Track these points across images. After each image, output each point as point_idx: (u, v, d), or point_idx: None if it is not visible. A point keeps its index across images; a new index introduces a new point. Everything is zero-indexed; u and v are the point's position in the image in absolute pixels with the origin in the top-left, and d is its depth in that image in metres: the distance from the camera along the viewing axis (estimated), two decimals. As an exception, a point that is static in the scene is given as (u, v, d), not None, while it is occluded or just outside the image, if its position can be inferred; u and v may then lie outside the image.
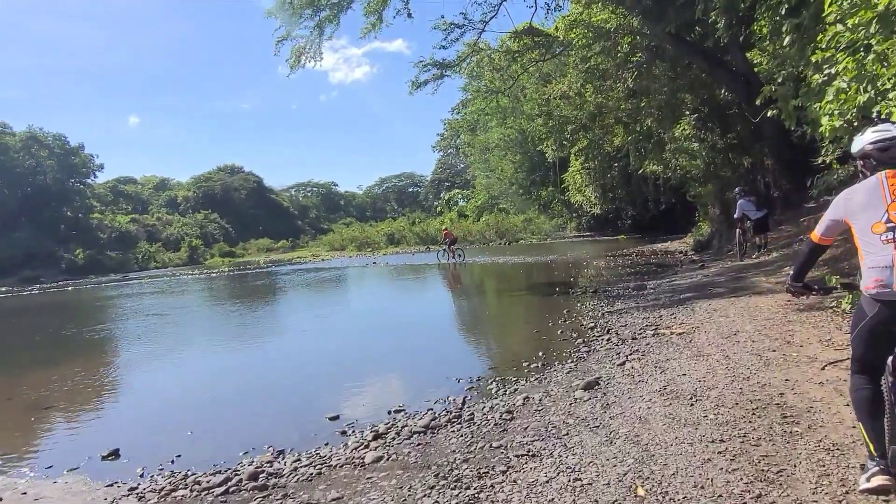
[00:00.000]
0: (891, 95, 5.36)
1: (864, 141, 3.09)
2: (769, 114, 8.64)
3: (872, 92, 5.68)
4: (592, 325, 9.94)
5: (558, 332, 9.77)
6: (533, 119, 26.61)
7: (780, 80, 8.19)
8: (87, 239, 63.80)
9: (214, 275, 39.51)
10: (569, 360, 7.74)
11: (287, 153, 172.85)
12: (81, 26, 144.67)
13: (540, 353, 8.39)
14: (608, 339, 8.59)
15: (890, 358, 2.92)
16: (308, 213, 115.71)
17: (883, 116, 5.22)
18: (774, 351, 6.24)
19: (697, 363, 6.28)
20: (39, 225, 59.98)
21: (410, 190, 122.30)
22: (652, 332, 8.42)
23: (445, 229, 34.17)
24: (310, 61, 21.65)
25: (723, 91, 18.78)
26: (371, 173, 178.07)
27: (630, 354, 7.34)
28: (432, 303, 17.35)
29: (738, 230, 15.15)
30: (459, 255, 29.35)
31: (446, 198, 74.73)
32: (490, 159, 52.27)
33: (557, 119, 22.18)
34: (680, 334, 7.98)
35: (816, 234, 3.21)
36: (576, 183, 36.36)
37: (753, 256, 14.84)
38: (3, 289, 41.68)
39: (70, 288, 37.47)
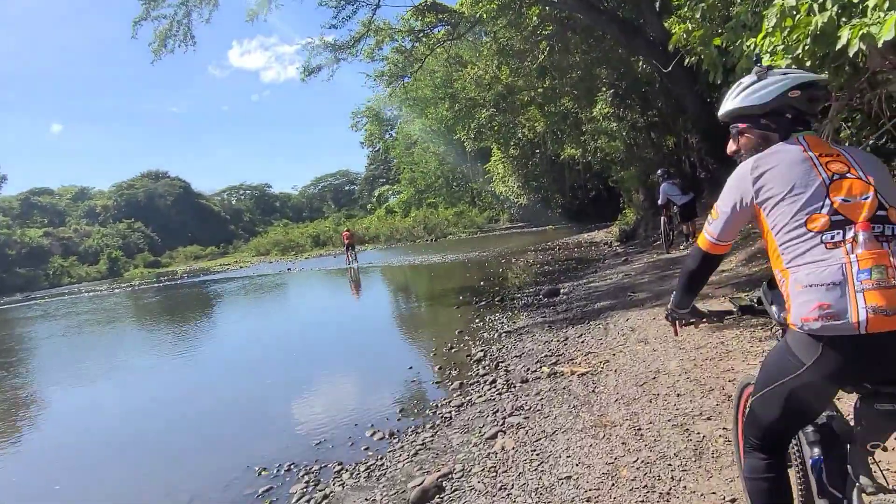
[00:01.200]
0: (871, 3, 3.22)
1: (775, 87, 1.94)
2: (687, 62, 6.55)
3: (835, 8, 3.57)
4: (482, 353, 7.69)
5: (435, 370, 7.47)
6: (436, 104, 24.21)
7: (698, 17, 6.07)
8: (-8, 257, 58.55)
9: (117, 290, 35.75)
10: (427, 427, 5.45)
11: (218, 156, 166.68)
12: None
13: (396, 411, 6.08)
14: (492, 382, 6.35)
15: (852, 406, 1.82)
16: (241, 216, 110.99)
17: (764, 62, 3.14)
18: (709, 418, 4.08)
19: (595, 446, 4.05)
20: (-69, 246, 54.46)
21: (347, 188, 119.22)
22: (549, 371, 6.22)
23: (346, 231, 31.85)
24: (180, 46, 18.71)
25: (640, 63, 16.92)
26: (307, 173, 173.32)
27: (511, 414, 5.12)
28: (285, 331, 13.35)
29: (662, 218, 13.25)
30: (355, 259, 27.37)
31: (377, 194, 71.91)
32: (414, 152, 49.84)
33: (464, 103, 19.92)
34: (583, 375, 5.79)
35: (709, 238, 2.05)
36: (499, 173, 34.38)
37: (681, 247, 13.00)
38: None
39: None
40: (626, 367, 5.66)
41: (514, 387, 6.02)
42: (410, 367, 7.74)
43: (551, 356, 6.88)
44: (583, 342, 7.16)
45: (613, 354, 6.26)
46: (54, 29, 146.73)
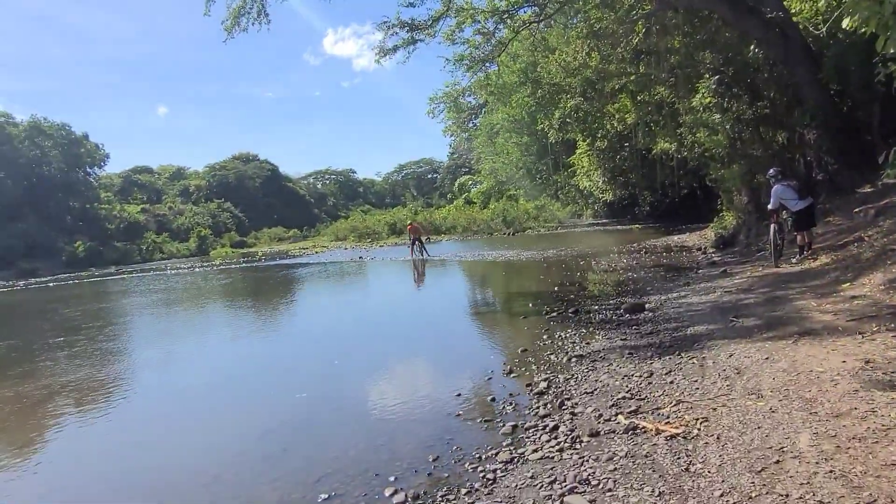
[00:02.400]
0: None
1: None
2: (848, 24, 4.89)
3: None
4: (546, 384, 6.37)
5: (487, 401, 6.21)
6: (523, 89, 22.66)
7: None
8: (94, 230, 62.33)
9: (198, 269, 36.67)
10: (461, 492, 4.24)
11: (307, 141, 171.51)
12: (112, 17, 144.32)
13: (429, 459, 4.88)
14: (553, 429, 5.05)
15: None
16: (325, 200, 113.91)
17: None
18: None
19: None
20: (45, 216, 58.46)
21: (430, 176, 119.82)
22: (627, 423, 4.84)
23: (410, 223, 31.23)
24: (253, 24, 18.22)
25: (752, 48, 14.83)
26: (391, 160, 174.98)
27: (571, 489, 3.86)
28: (330, 328, 13.12)
29: (772, 225, 11.27)
30: (424, 251, 27.33)
31: (458, 184, 70.97)
32: (496, 142, 48.29)
33: (547, 89, 18.35)
34: (672, 438, 4.39)
35: None
36: (583, 166, 32.38)
37: (793, 261, 11.07)
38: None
39: (51, 284, 34.95)
40: (732, 435, 4.21)
41: (581, 442, 4.70)
42: (458, 395, 6.52)
43: (631, 399, 5.48)
44: (672, 383, 5.70)
45: (714, 409, 4.79)
46: (164, 17, 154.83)
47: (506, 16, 19.44)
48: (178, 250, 66.36)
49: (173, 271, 37.79)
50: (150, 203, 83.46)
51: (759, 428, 4.22)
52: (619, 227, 34.92)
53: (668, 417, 4.84)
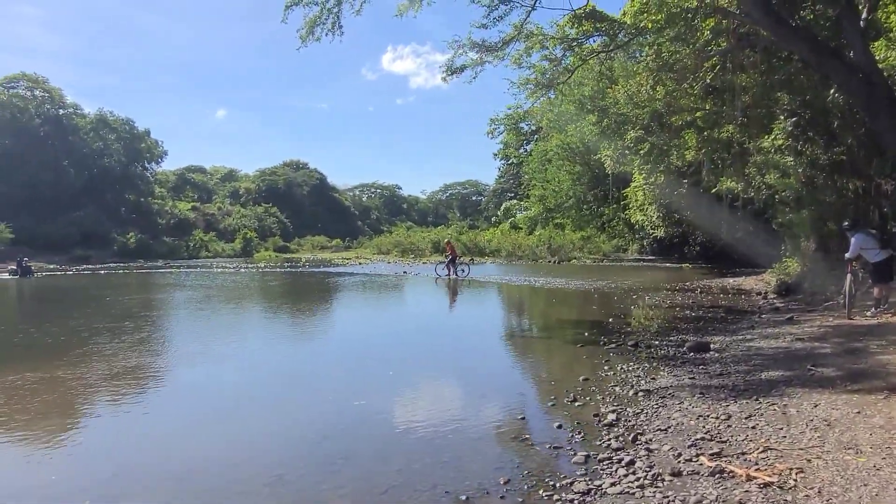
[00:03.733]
0: None
1: None
2: None
3: None
4: (614, 416, 6.14)
5: (553, 427, 6.01)
6: (579, 119, 22.47)
7: None
8: (145, 223, 64.40)
9: (243, 269, 37.33)
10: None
11: (356, 154, 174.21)
12: (179, 22, 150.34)
13: (500, 481, 4.69)
14: (630, 464, 4.82)
15: None
16: (369, 214, 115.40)
17: None
18: None
19: None
20: (101, 206, 60.72)
21: (474, 198, 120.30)
22: (711, 466, 4.58)
23: (448, 241, 31.35)
24: (327, 34, 18.58)
25: (832, 92, 14.40)
26: (437, 179, 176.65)
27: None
28: (387, 341, 13.56)
29: (849, 275, 10.81)
30: (463, 271, 27.88)
31: (504, 208, 70.83)
32: (548, 169, 48.08)
33: (614, 118, 18.15)
34: (765, 486, 4.13)
35: None
36: (637, 200, 31.86)
37: (868, 314, 10.57)
38: (51, 266, 41.44)
39: (102, 271, 36.07)
40: (835, 490, 3.93)
41: (663, 480, 4.46)
42: (522, 418, 6.34)
43: (710, 440, 5.22)
44: (754, 428, 5.42)
45: (808, 460, 4.51)
46: (226, 23, 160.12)
47: (574, 44, 19.39)
48: (223, 250, 67.85)
49: (219, 269, 38.54)
50: (200, 202, 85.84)
51: (865, 485, 3.94)
52: (667, 264, 34.20)
53: (756, 464, 4.57)
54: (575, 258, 42.12)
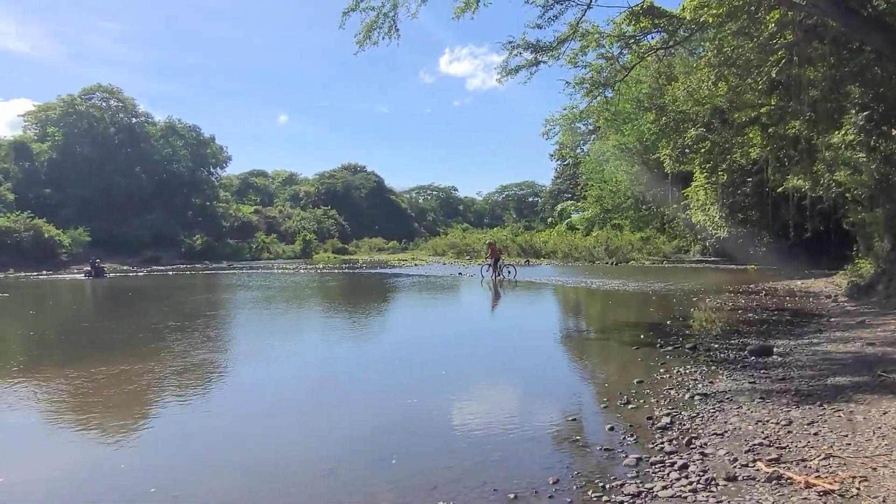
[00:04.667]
0: None
1: None
2: None
3: None
4: (668, 419, 6.01)
5: (605, 430, 5.93)
6: (637, 118, 21.98)
7: None
8: (211, 226, 66.86)
9: (302, 270, 38.31)
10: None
11: (413, 156, 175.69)
12: (243, 30, 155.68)
13: (549, 481, 4.67)
14: (683, 468, 4.72)
15: None
16: (426, 215, 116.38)
17: None
18: None
19: None
20: (170, 210, 63.44)
21: (530, 199, 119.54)
22: (769, 472, 4.44)
23: (490, 242, 31.21)
24: (384, 38, 18.87)
25: (909, 83, 13.67)
26: (493, 181, 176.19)
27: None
28: (441, 338, 13.67)
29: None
30: (509, 272, 27.96)
31: (559, 209, 70.10)
32: (605, 169, 47.33)
33: (672, 116, 17.73)
34: (825, 494, 3.97)
35: None
36: (698, 200, 30.93)
37: (948, 318, 9.97)
38: (125, 267, 43.67)
39: (170, 272, 37.77)
40: (903, 500, 3.75)
41: (717, 485, 4.35)
42: (573, 419, 6.29)
43: (769, 446, 5.05)
44: (816, 435, 5.22)
45: (874, 469, 4.32)
46: (290, 30, 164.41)
47: (632, 41, 19.04)
48: (283, 251, 69.75)
49: (279, 270, 39.63)
50: (262, 205, 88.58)
51: (935, 497, 3.74)
52: (731, 266, 33.05)
53: (817, 471, 4.41)
54: (633, 259, 41.29)
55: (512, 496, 4.44)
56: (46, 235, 43.97)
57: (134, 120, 65.55)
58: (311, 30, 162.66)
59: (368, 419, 6.68)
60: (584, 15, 18.73)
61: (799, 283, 21.15)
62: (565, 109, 44.07)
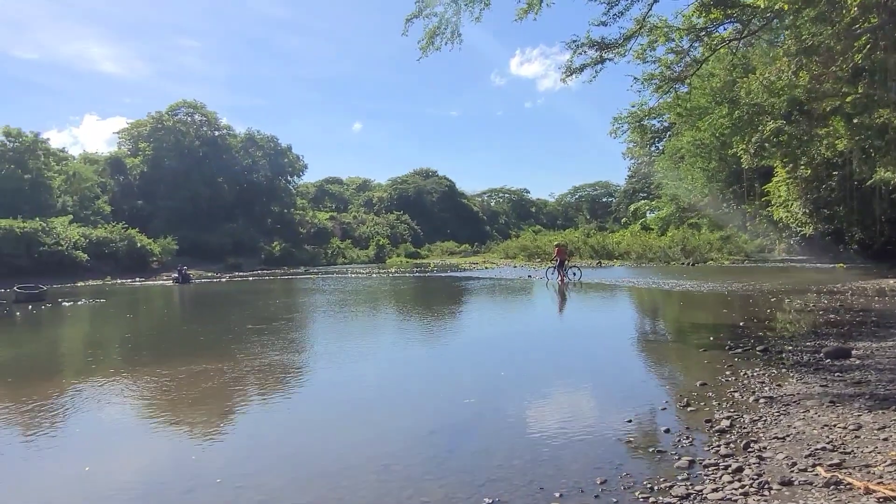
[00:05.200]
0: None
1: None
2: None
3: None
4: (728, 423, 5.85)
5: (661, 431, 5.83)
6: (711, 113, 21.14)
7: None
8: (288, 233, 69.44)
9: (375, 275, 39.18)
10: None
11: (485, 159, 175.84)
12: (317, 40, 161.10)
13: (597, 481, 4.66)
14: (737, 471, 4.61)
15: None
16: (497, 218, 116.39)
17: None
18: None
19: None
20: (250, 218, 66.42)
21: (604, 200, 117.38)
22: (827, 477, 4.27)
23: (559, 245, 30.72)
24: (446, 43, 19.11)
25: None
26: (566, 182, 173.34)
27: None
28: (505, 338, 13.61)
29: None
30: (574, 274, 27.71)
31: (633, 209, 68.41)
32: (680, 167, 45.76)
33: (746, 109, 17.02)
34: (885, 500, 3.79)
35: None
36: (780, 196, 29.44)
37: None
38: (209, 273, 46.06)
39: (251, 278, 39.56)
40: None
41: (770, 489, 4.23)
42: (629, 421, 6.21)
43: (832, 451, 4.85)
44: (886, 440, 4.95)
45: (944, 476, 4.07)
46: (363, 39, 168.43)
47: (703, 33, 18.45)
48: (357, 256, 71.55)
49: (353, 275, 40.65)
50: (337, 211, 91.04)
51: None
52: (818, 265, 31.29)
53: (880, 477, 4.20)
54: (712, 259, 39.80)
55: (557, 494, 4.48)
56: (139, 245, 46.95)
57: (216, 133, 68.99)
58: (383, 38, 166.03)
59: (426, 418, 6.85)
60: (650, 9, 18.30)
61: (891, 282, 19.79)
62: (634, 107, 42.99)
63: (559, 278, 26.70)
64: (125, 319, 18.64)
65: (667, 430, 5.82)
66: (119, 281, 38.17)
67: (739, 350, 9.46)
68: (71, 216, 46.08)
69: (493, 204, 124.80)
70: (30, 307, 21.41)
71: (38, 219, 40.27)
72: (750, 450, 5.09)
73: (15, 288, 25.18)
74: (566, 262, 27.98)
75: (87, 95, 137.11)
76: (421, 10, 18.21)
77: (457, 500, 4.50)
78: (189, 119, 67.21)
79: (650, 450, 5.33)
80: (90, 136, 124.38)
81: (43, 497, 4.97)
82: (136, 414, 7.40)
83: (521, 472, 4.96)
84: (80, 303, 23.03)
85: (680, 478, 4.63)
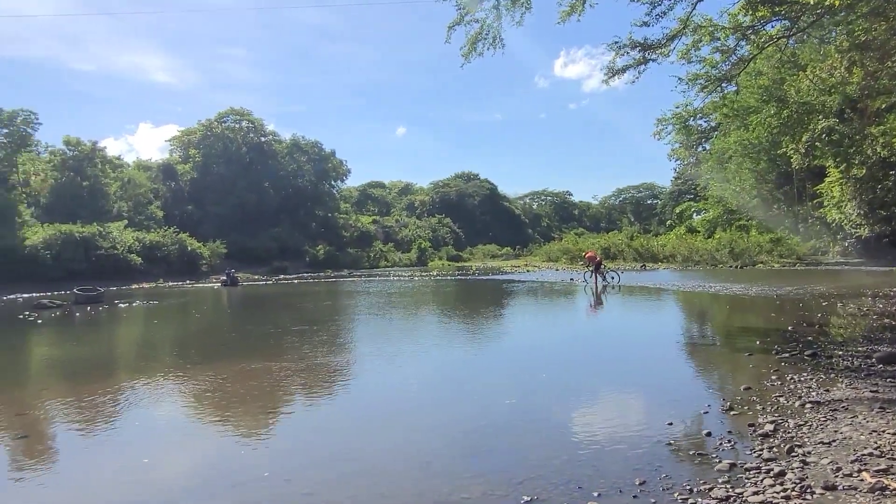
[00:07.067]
0: None
1: None
2: None
3: None
4: (772, 427, 5.77)
5: (703, 435, 5.80)
6: (758, 109, 20.66)
7: None
8: (332, 236, 70.52)
9: (416, 278, 39.49)
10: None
11: (527, 161, 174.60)
12: (359, 47, 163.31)
13: (635, 482, 4.69)
14: (779, 475, 4.57)
15: None
16: (540, 221, 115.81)
17: None
18: None
19: None
20: (295, 222, 67.80)
21: (649, 202, 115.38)
22: (873, 482, 4.20)
23: (588, 252, 30.76)
24: (488, 49, 19.21)
25: None
26: (609, 184, 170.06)
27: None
28: (546, 341, 13.54)
29: None
30: (613, 278, 27.37)
31: (678, 211, 67.07)
32: (727, 167, 44.69)
33: (795, 108, 16.61)
34: (934, 506, 3.72)
35: None
36: (833, 197, 28.47)
37: None
38: (256, 276, 47.25)
39: (295, 281, 40.41)
40: None
41: (812, 493, 4.19)
42: (670, 423, 6.18)
43: (879, 456, 4.76)
44: (938, 446, 4.82)
45: None
46: (406, 44, 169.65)
47: (750, 32, 18.09)
48: (400, 259, 72.16)
49: (395, 278, 41.04)
50: (380, 215, 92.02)
51: None
52: (875, 268, 30.11)
53: (930, 484, 4.11)
54: (761, 262, 38.72)
55: (596, 494, 4.53)
56: (190, 248, 48.44)
57: (263, 139, 70.60)
58: (426, 43, 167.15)
59: (466, 418, 6.95)
60: (693, 8, 18.04)
61: (954, 285, 18.97)
62: (678, 107, 42.26)
63: (596, 282, 26.56)
64: (177, 320, 19.34)
65: (708, 434, 5.79)
66: (170, 283, 39.48)
67: (787, 355, 9.27)
68: (126, 221, 47.90)
69: (535, 206, 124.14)
70: (89, 308, 22.39)
71: (95, 224, 41.97)
72: (794, 454, 5.03)
73: (75, 290, 26.35)
74: (602, 266, 27.88)
75: (141, 105, 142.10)
76: (462, 17, 18.38)
77: (495, 497, 4.60)
78: (237, 126, 69.00)
79: (691, 452, 5.31)
80: (144, 143, 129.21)
81: (108, 486, 5.28)
82: (189, 410, 7.74)
83: (560, 472, 5.02)
84: (134, 304, 23.97)
85: (720, 480, 4.62)
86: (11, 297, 29.03)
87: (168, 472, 5.57)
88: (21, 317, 19.82)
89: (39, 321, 18.65)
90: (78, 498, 5.02)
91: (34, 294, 29.36)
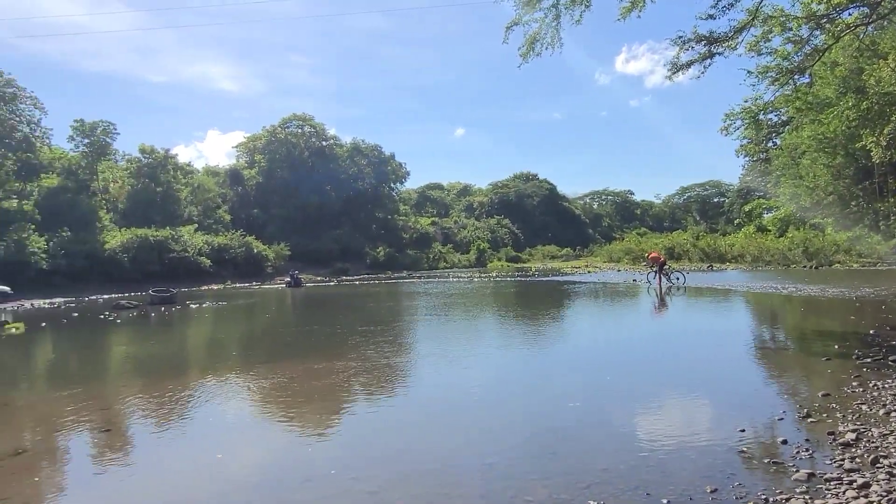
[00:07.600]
0: None
1: None
2: None
3: None
4: (854, 436, 5.47)
5: (777, 442, 5.55)
6: (834, 102, 19.59)
7: None
8: (392, 238, 71.52)
9: (476, 279, 39.49)
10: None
11: (587, 160, 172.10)
12: (417, 49, 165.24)
13: (706, 490, 4.53)
14: (862, 487, 4.34)
15: None
16: (600, 221, 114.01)
17: None
18: None
19: None
20: (355, 224, 69.13)
21: (715, 200, 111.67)
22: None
23: (654, 253, 30.29)
24: (547, 48, 19.02)
25: None
26: (673, 182, 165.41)
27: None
28: (610, 343, 13.17)
29: None
30: (678, 279, 26.55)
31: (747, 209, 64.57)
32: (800, 163, 42.61)
33: (875, 99, 15.71)
34: None
35: None
36: (918, 192, 26.74)
37: None
38: (318, 277, 48.45)
39: (357, 282, 41.16)
40: None
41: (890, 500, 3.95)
42: (742, 430, 5.95)
43: (977, 470, 4.43)
44: None
45: None
46: (464, 45, 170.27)
47: (825, 20, 17.25)
48: (459, 260, 72.42)
49: (454, 279, 41.17)
50: (438, 216, 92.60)
51: None
52: (965, 268, 28.20)
53: None
54: (838, 262, 36.86)
55: (665, 501, 4.41)
56: (255, 251, 50.11)
57: (324, 143, 72.30)
58: (483, 44, 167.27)
59: (530, 420, 6.90)
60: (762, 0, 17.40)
61: None
62: (747, 101, 40.57)
63: (661, 283, 25.95)
64: (245, 320, 20.03)
65: (784, 442, 5.54)
66: (237, 284, 40.91)
67: (869, 360, 8.76)
68: (196, 224, 50.01)
69: (595, 206, 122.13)
70: (163, 309, 23.46)
71: (168, 228, 43.99)
72: (879, 465, 4.75)
73: (150, 291, 27.71)
74: (667, 267, 27.24)
75: (210, 112, 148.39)
76: (520, 18, 18.28)
77: (560, 500, 4.54)
78: (299, 131, 70.87)
79: (765, 461, 5.10)
80: (213, 149, 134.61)
81: (186, 480, 5.51)
82: (257, 407, 7.99)
83: (627, 477, 4.91)
84: (204, 305, 24.97)
85: (798, 490, 4.42)
86: (93, 297, 30.82)
87: (241, 467, 5.77)
88: (102, 316, 20.97)
89: (119, 321, 19.66)
90: (159, 490, 5.25)
91: (113, 294, 31.05)
